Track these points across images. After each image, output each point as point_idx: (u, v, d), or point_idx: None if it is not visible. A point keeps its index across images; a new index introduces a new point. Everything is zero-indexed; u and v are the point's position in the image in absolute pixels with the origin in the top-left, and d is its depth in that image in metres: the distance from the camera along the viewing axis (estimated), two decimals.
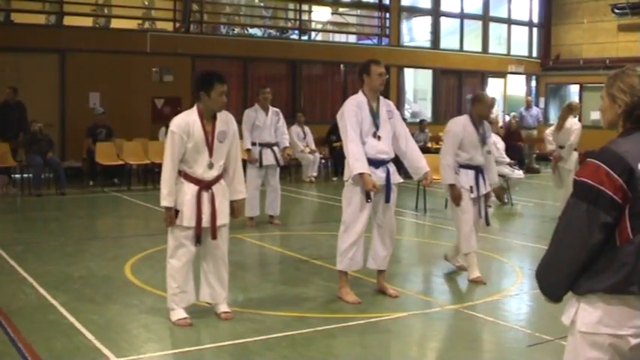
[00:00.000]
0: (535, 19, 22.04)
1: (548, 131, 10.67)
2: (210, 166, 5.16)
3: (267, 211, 9.56)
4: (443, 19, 20.21)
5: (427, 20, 20.33)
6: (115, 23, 16.31)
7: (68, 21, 15.18)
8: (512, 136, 17.18)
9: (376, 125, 5.90)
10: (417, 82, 21.02)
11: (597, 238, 2.44)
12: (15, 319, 5.28)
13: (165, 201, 5.08)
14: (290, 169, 14.86)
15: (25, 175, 12.54)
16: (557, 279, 2.56)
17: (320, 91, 18.18)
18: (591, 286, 2.49)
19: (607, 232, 2.45)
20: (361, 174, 5.68)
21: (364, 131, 5.85)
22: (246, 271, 7.29)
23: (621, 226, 2.45)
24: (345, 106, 5.94)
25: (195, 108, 5.21)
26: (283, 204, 9.94)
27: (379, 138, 5.91)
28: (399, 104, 19.42)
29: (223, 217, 5.27)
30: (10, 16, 15.12)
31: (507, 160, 11.86)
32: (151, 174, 13.63)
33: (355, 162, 5.70)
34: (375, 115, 5.91)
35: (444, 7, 20.08)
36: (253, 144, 9.34)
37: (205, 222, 5.17)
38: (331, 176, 15.49)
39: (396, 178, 6.12)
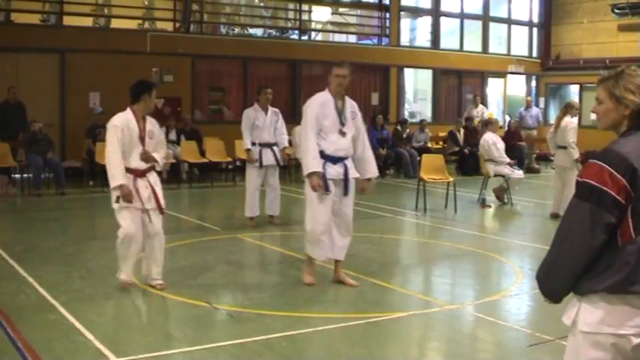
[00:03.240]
0: (535, 19, 22.03)
1: (549, 135, 10.68)
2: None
3: (267, 211, 9.56)
4: (443, 19, 20.20)
5: (427, 20, 20.34)
6: (115, 23, 16.30)
7: (68, 21, 15.18)
8: (512, 136, 17.19)
9: (342, 122, 6.24)
10: (417, 82, 21.01)
11: (600, 238, 2.44)
12: (15, 319, 5.28)
13: (123, 179, 5.92)
14: (290, 169, 14.86)
15: (25, 175, 12.53)
16: (559, 280, 2.56)
17: (320, 91, 18.10)
18: (593, 286, 2.49)
19: (610, 233, 2.45)
20: (312, 173, 6.08)
21: (328, 127, 6.20)
22: (246, 271, 7.29)
23: (623, 226, 2.45)
24: (309, 102, 6.33)
25: (129, 109, 6.15)
26: (283, 204, 9.94)
27: (344, 134, 6.24)
28: (399, 104, 19.44)
29: (154, 201, 6.12)
30: (10, 16, 15.13)
31: (507, 160, 11.86)
32: None
33: (311, 160, 6.10)
34: (340, 113, 6.26)
35: (444, 7, 20.07)
36: (253, 144, 9.34)
37: (149, 203, 6.09)
38: None
39: (354, 173, 6.35)
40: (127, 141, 6.00)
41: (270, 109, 9.54)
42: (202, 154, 14.29)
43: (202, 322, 5.45)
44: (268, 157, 9.42)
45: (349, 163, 6.33)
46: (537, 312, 5.88)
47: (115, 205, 6.09)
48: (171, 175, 14.56)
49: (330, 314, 5.63)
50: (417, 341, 5.37)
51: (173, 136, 14.60)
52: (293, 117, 16.03)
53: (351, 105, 6.43)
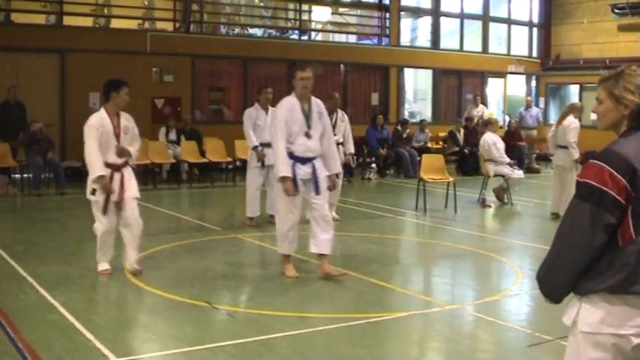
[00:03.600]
0: (535, 19, 22.02)
1: (551, 133, 10.66)
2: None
3: (268, 211, 9.55)
4: (443, 19, 20.20)
5: (427, 20, 20.33)
6: (115, 23, 16.30)
7: (68, 21, 15.18)
8: (512, 136, 17.19)
9: (308, 125, 6.53)
10: (417, 82, 21.00)
11: (601, 239, 2.44)
12: (15, 319, 5.28)
13: (102, 171, 6.42)
14: None
15: (25, 175, 12.53)
16: (559, 280, 2.55)
17: (320, 91, 18.11)
18: (593, 286, 2.48)
19: (610, 233, 2.44)
20: (284, 177, 6.39)
21: (296, 131, 6.48)
22: (246, 271, 7.29)
23: (624, 226, 2.44)
24: (277, 108, 6.67)
25: (102, 109, 6.65)
26: None
27: (310, 136, 6.53)
28: (399, 104, 19.44)
29: (130, 192, 6.66)
30: (10, 16, 15.12)
31: (507, 160, 11.86)
32: (151, 174, 13.64)
33: (282, 165, 6.42)
34: (307, 116, 6.54)
35: (444, 7, 20.07)
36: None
37: (116, 197, 6.54)
38: None
39: (323, 172, 6.63)
40: (103, 138, 6.49)
41: (271, 109, 9.55)
42: (202, 154, 14.28)
43: (202, 322, 5.45)
44: (269, 157, 9.41)
45: (317, 163, 6.62)
46: (537, 312, 5.88)
47: (90, 197, 6.57)
48: (172, 175, 14.57)
49: (330, 314, 5.63)
50: (417, 341, 5.38)
51: (173, 136, 14.60)
52: None
53: (317, 105, 6.69)
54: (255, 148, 9.31)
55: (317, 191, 6.54)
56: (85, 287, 6.35)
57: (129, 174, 6.72)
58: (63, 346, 4.76)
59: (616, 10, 19.67)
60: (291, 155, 6.47)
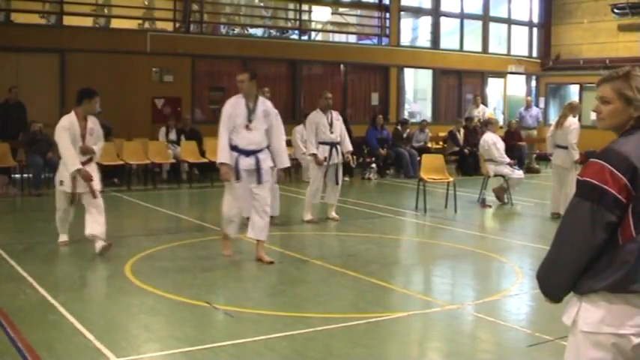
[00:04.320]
0: (535, 19, 22.02)
1: (550, 133, 10.66)
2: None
3: None
4: (443, 19, 20.20)
5: (427, 20, 20.33)
6: (115, 23, 16.30)
7: (68, 21, 15.18)
8: (512, 136, 17.19)
9: (249, 120, 7.18)
10: (417, 82, 21.00)
11: (601, 237, 2.44)
12: (15, 319, 5.28)
13: (79, 164, 7.41)
14: (290, 170, 14.84)
15: (25, 175, 12.53)
16: (560, 279, 2.55)
17: (320, 91, 18.09)
18: (593, 285, 2.48)
19: (610, 232, 2.44)
20: (221, 163, 7.07)
21: (238, 124, 7.17)
22: (246, 271, 7.29)
23: (624, 225, 2.44)
24: (224, 105, 7.33)
25: (73, 112, 7.56)
26: (283, 204, 9.95)
27: (251, 129, 7.18)
28: (399, 104, 19.44)
29: (96, 184, 7.65)
30: (10, 16, 15.12)
31: (507, 160, 11.86)
32: (151, 174, 13.64)
33: (221, 153, 7.11)
34: (250, 112, 7.21)
35: (444, 7, 20.07)
36: None
37: (82, 188, 7.56)
38: None
39: (266, 164, 7.27)
40: (71, 138, 7.43)
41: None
42: (202, 154, 14.28)
43: (202, 322, 5.45)
44: None
45: (262, 155, 7.24)
46: (537, 312, 5.87)
47: (59, 187, 7.69)
48: (171, 175, 14.57)
49: (330, 314, 5.62)
50: (417, 341, 5.37)
51: (173, 136, 14.60)
52: (293, 117, 16.07)
53: (264, 105, 7.38)
54: None
55: (259, 180, 7.18)
56: (85, 287, 6.36)
57: (92, 169, 7.64)
58: (63, 346, 4.76)
59: (616, 10, 19.67)
60: (236, 148, 7.14)
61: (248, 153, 7.16)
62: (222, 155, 7.10)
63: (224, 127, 7.18)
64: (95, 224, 7.59)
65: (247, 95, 7.29)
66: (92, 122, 7.67)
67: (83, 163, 7.51)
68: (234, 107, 7.22)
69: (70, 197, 7.73)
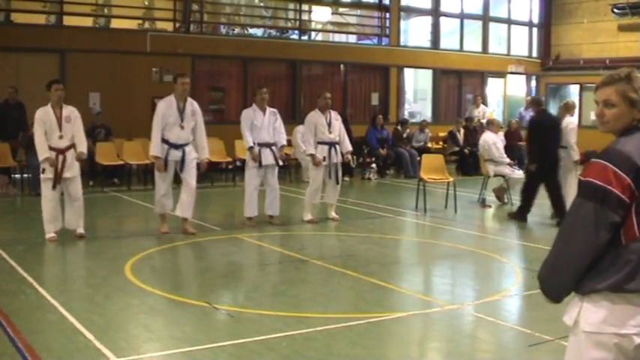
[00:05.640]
0: (535, 19, 22.03)
1: None
2: (61, 137, 8.05)
3: (267, 211, 9.56)
4: (443, 19, 20.20)
5: (427, 20, 20.33)
6: (115, 23, 16.30)
7: (68, 21, 15.18)
8: (512, 136, 17.19)
9: (182, 119, 8.44)
10: (417, 82, 21.01)
11: (604, 237, 2.43)
12: (15, 319, 5.28)
13: (47, 153, 7.91)
14: (290, 169, 14.86)
15: (25, 175, 12.53)
16: (561, 279, 2.54)
17: (320, 91, 18.10)
18: (595, 285, 2.47)
19: (614, 232, 2.44)
20: (155, 157, 8.42)
21: (171, 122, 8.40)
22: (246, 271, 7.29)
23: (627, 224, 2.44)
24: (159, 103, 8.56)
25: (49, 104, 8.12)
26: (283, 204, 9.95)
27: (183, 128, 8.45)
28: (399, 104, 19.44)
29: (73, 171, 8.14)
30: (10, 16, 15.12)
31: (507, 160, 11.86)
32: (151, 174, 13.61)
33: (154, 146, 8.42)
34: (181, 112, 8.45)
35: (444, 7, 20.08)
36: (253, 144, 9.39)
37: (69, 173, 8.06)
38: None
39: (191, 155, 8.54)
40: (47, 126, 7.99)
41: (268, 109, 9.57)
42: None
43: (202, 322, 5.45)
44: (267, 157, 9.43)
45: (188, 148, 8.53)
46: (537, 312, 5.86)
47: (42, 175, 8.05)
48: None
49: (330, 314, 5.62)
50: (417, 341, 5.37)
51: None
52: (293, 117, 16.07)
53: (191, 104, 8.59)
54: (250, 148, 9.31)
55: (181, 169, 8.50)
56: (85, 287, 6.35)
57: (71, 156, 8.11)
58: (63, 346, 4.75)
59: (616, 10, 19.68)
60: (167, 142, 8.39)
61: (177, 146, 8.44)
62: (155, 149, 8.38)
63: (157, 125, 8.38)
64: (81, 220, 8.27)
65: (180, 97, 8.45)
66: (68, 111, 8.23)
67: (62, 150, 8.02)
68: (167, 108, 8.42)
69: (53, 182, 8.05)
